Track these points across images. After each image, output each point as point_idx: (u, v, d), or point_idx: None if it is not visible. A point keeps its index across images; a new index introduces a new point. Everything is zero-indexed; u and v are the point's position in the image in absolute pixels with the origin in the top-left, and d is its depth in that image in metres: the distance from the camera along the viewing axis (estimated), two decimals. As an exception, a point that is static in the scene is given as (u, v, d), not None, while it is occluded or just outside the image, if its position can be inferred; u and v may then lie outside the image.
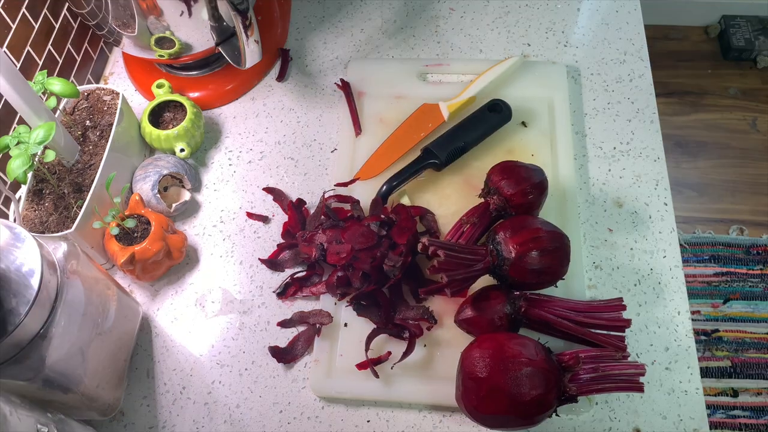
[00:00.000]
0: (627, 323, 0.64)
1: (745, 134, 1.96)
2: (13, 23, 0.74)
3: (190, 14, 0.74)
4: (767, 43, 2.05)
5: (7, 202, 0.75)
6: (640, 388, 0.60)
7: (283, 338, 0.72)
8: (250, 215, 0.80)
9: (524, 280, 0.64)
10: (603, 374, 0.60)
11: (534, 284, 0.65)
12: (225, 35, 0.80)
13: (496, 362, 0.58)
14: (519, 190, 0.69)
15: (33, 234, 0.56)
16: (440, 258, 0.62)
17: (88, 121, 0.78)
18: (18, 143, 0.66)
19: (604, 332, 0.64)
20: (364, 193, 0.78)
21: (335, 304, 0.72)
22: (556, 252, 0.63)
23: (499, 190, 0.70)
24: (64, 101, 0.79)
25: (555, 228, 0.65)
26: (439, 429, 0.66)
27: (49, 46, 0.81)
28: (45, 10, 0.79)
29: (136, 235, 0.72)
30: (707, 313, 1.66)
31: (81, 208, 0.69)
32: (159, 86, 0.83)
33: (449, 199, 0.78)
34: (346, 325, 0.71)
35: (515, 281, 0.64)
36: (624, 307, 0.65)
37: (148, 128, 0.81)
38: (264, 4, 0.92)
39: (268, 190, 0.81)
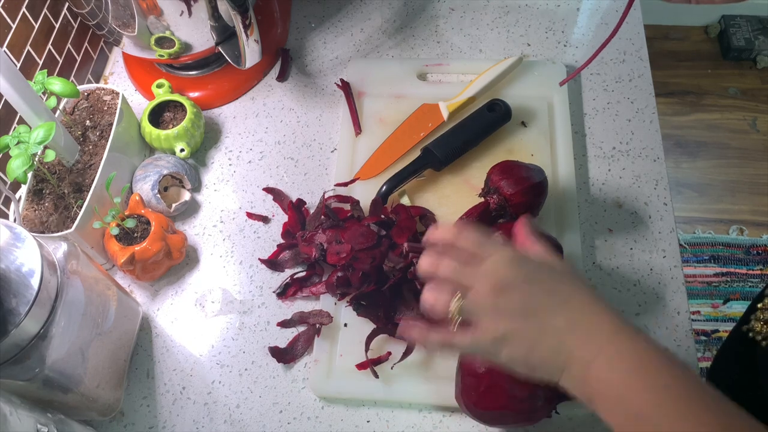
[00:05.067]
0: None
1: (745, 134, 1.96)
2: (13, 23, 0.74)
3: (190, 14, 0.75)
4: (767, 43, 2.05)
5: (7, 202, 0.75)
6: (640, 388, 0.60)
7: (283, 338, 0.72)
8: (250, 215, 0.80)
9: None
10: (603, 374, 0.60)
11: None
12: (225, 35, 0.80)
13: (496, 361, 0.58)
14: (519, 190, 0.69)
15: (33, 234, 0.56)
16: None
17: (88, 121, 0.78)
18: (18, 143, 0.66)
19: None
20: (364, 193, 0.78)
21: (335, 304, 0.72)
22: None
23: (498, 189, 0.70)
24: (64, 101, 0.79)
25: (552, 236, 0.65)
26: (439, 429, 0.66)
27: (49, 46, 0.81)
28: (45, 10, 0.79)
29: (136, 235, 0.72)
30: (707, 313, 1.66)
31: (81, 208, 0.69)
32: (159, 86, 0.83)
33: (449, 199, 0.78)
34: (346, 325, 0.71)
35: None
36: None
37: (148, 128, 0.81)
38: (264, 4, 0.92)
39: (268, 190, 0.81)
